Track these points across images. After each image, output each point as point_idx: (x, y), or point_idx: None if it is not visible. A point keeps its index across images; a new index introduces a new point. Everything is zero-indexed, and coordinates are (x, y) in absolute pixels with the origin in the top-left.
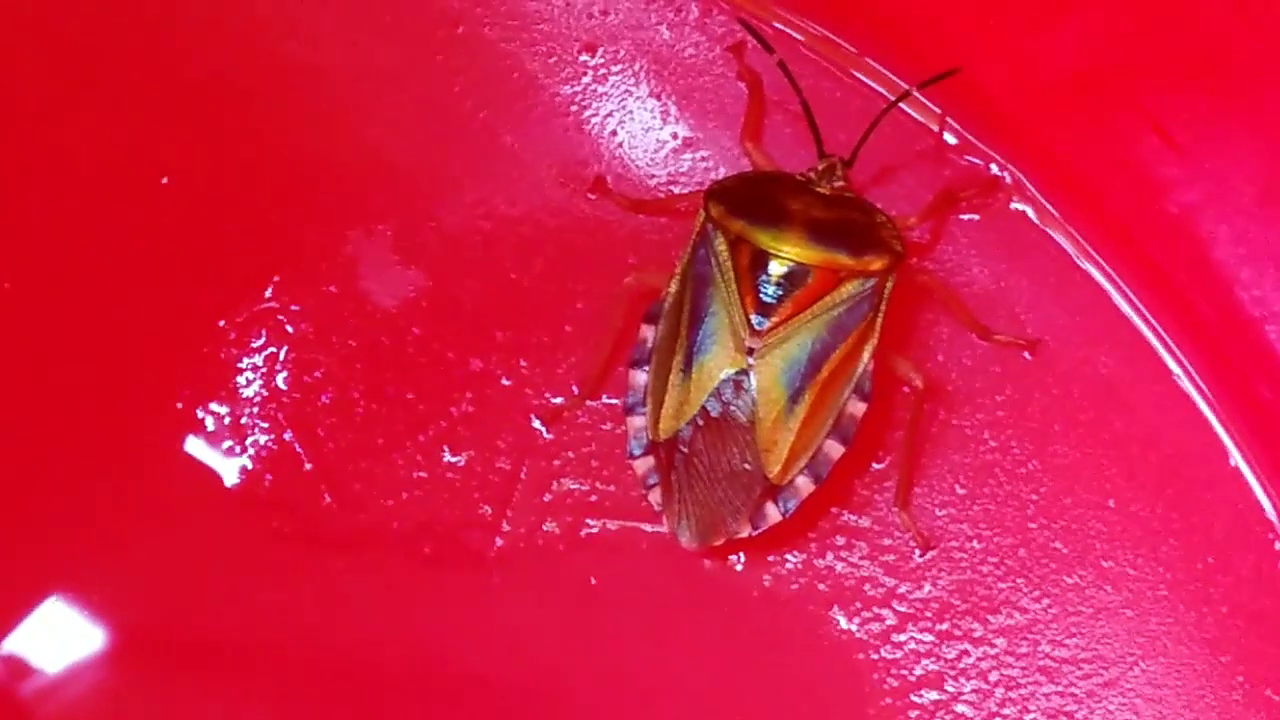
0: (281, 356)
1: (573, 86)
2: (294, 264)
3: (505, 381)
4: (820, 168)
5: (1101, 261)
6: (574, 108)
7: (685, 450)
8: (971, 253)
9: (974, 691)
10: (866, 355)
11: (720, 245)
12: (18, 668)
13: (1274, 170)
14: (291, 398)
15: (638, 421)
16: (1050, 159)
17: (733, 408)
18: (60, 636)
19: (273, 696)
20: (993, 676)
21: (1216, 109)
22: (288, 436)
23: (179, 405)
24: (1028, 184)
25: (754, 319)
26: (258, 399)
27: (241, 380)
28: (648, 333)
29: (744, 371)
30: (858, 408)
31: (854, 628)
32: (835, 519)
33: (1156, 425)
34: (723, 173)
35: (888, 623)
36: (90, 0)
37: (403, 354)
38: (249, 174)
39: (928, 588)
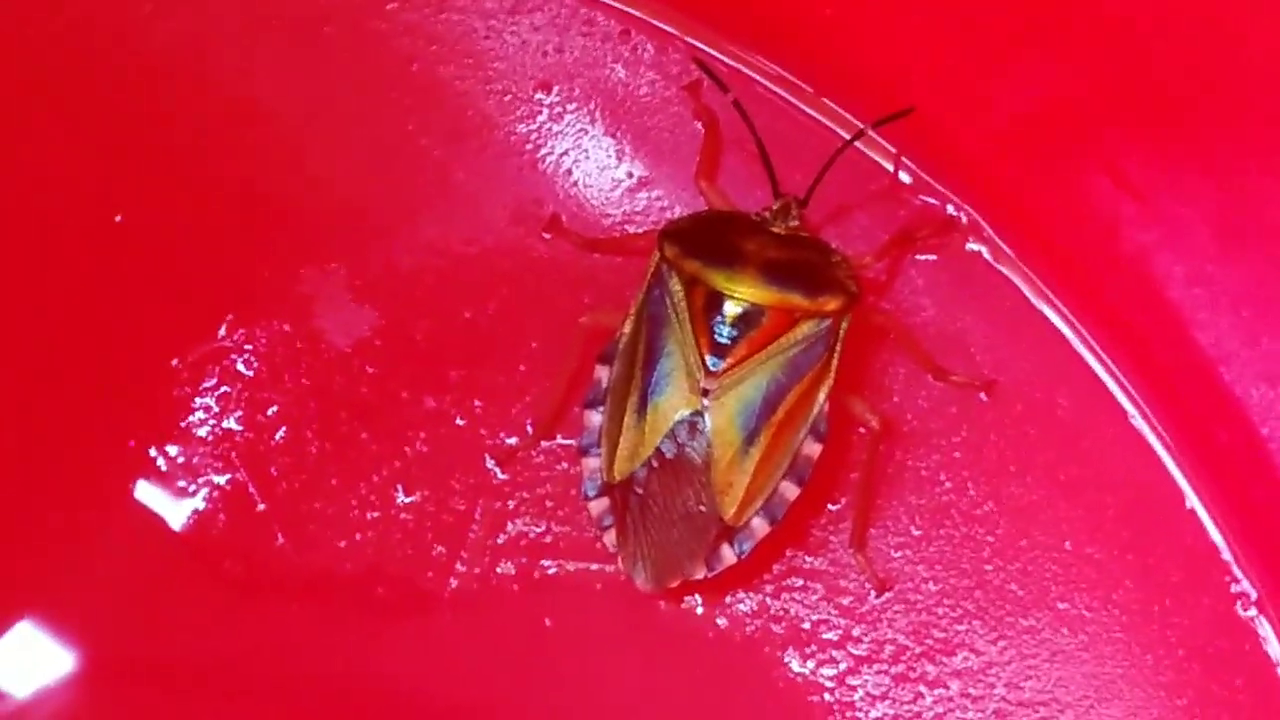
0: (234, 395)
1: (528, 125)
2: (247, 302)
3: (459, 421)
4: (775, 207)
5: (1058, 302)
6: (529, 146)
7: (640, 492)
8: (927, 293)
9: None
10: (822, 396)
11: (675, 285)
12: None
13: (1229, 211)
14: (244, 437)
15: (593, 463)
16: (1006, 199)
17: (688, 449)
18: (28, 661)
19: None
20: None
21: (1171, 150)
22: (240, 476)
23: (131, 444)
24: (984, 224)
25: (709, 360)
26: (210, 438)
27: (194, 419)
28: (602, 373)
29: (699, 413)
30: (813, 449)
31: (809, 670)
32: (791, 561)
33: (1113, 467)
34: (678, 212)
35: (843, 665)
36: (44, 38)
37: (356, 393)
38: (203, 212)
39: (883, 629)
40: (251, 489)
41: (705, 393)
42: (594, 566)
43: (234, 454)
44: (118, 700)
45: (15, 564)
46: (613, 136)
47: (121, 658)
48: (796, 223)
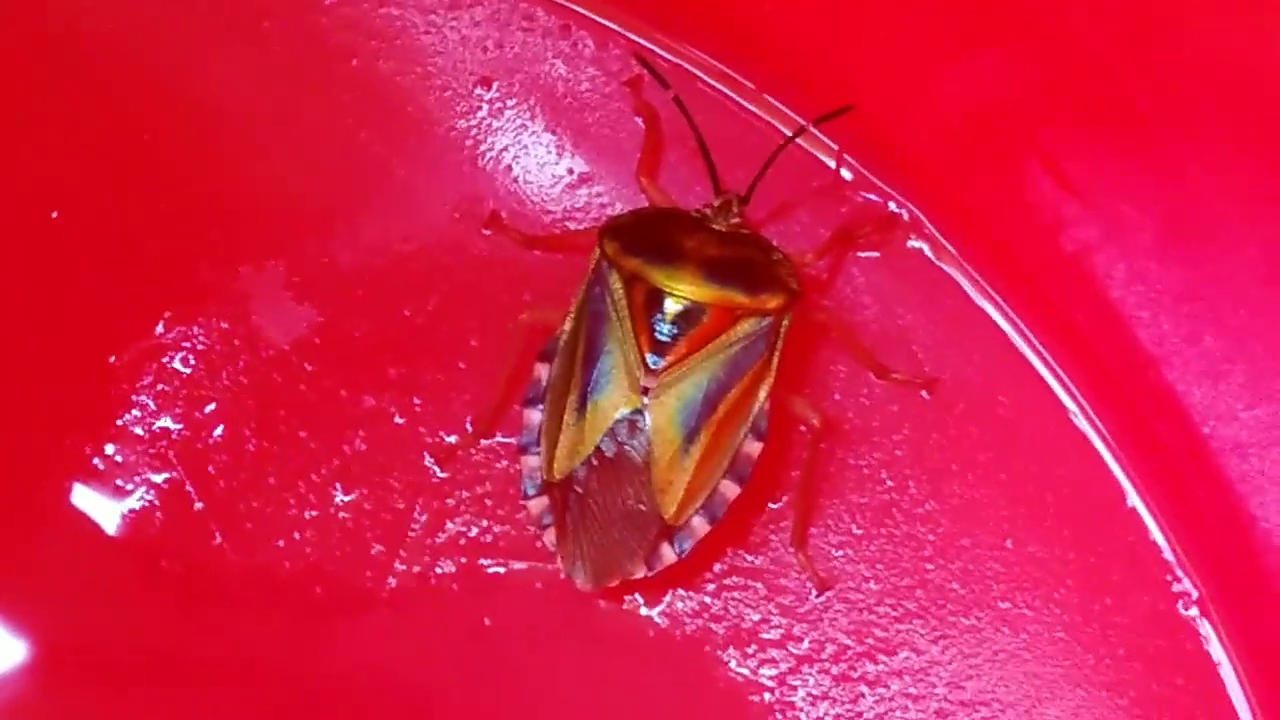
0: (172, 393)
1: (468, 121)
2: (185, 300)
3: (398, 419)
4: (716, 204)
5: (999, 300)
6: (469, 142)
7: (580, 490)
8: (868, 291)
9: None
10: (763, 394)
11: (615, 283)
12: None
13: (1170, 210)
14: (182, 435)
15: (532, 461)
16: (948, 196)
17: (627, 448)
18: None
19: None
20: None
21: (1113, 148)
22: (178, 475)
23: (66, 442)
24: (925, 221)
25: (649, 358)
26: (147, 436)
27: (130, 417)
28: (542, 371)
29: (639, 411)
30: (754, 447)
31: (750, 669)
32: (731, 560)
33: (1054, 465)
34: (619, 208)
35: (783, 665)
36: None
37: (295, 391)
38: (140, 209)
39: (824, 629)
40: (189, 487)
41: (645, 391)
42: (534, 565)
43: (171, 452)
44: (63, 692)
45: None
46: (553, 133)
47: (69, 650)
48: (738, 220)
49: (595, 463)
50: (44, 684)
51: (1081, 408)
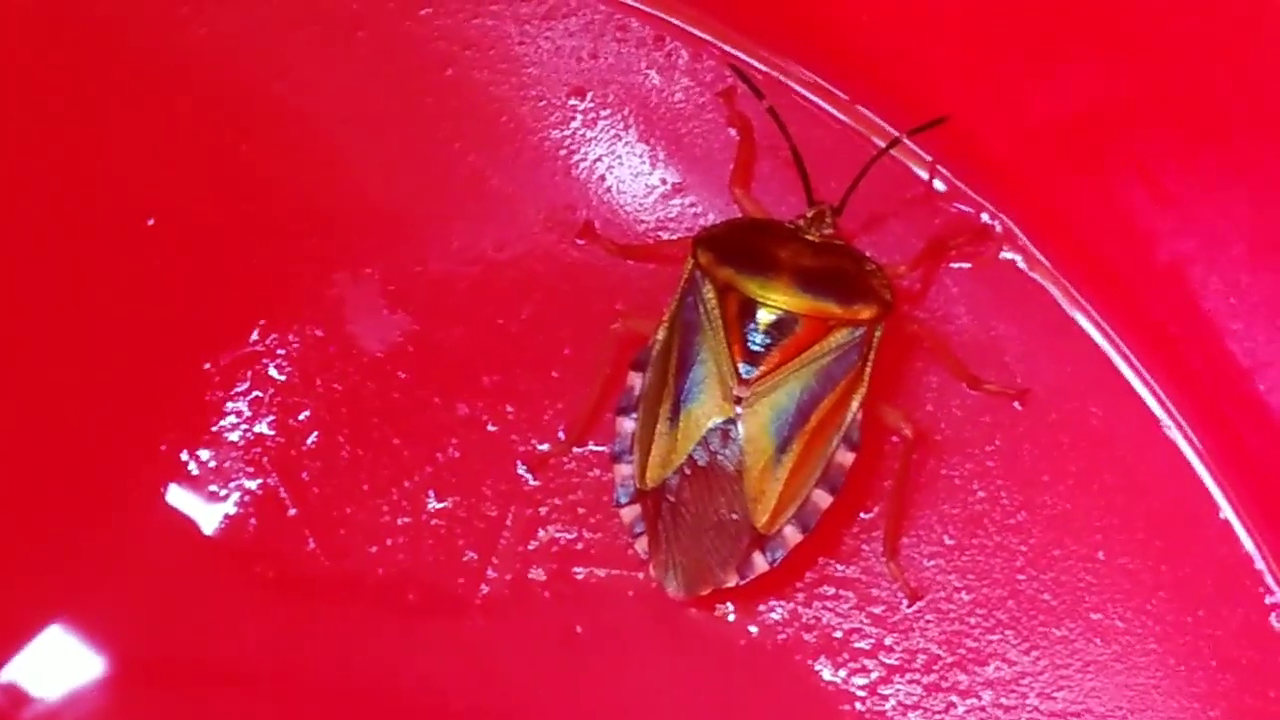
0: (266, 400)
1: (561, 131)
2: (280, 307)
3: (491, 427)
4: (810, 215)
5: (1092, 311)
6: (562, 152)
7: (672, 499)
8: (961, 301)
9: None
10: (855, 404)
11: (708, 293)
12: (17, 696)
13: (1264, 221)
14: (276, 442)
15: (624, 469)
16: (1040, 207)
17: (720, 457)
18: (59, 664)
19: None
20: None
21: (1207, 160)
22: (272, 481)
23: (163, 448)
24: (1018, 232)
25: (742, 368)
26: (242, 443)
27: (226, 424)
28: (635, 380)
29: (731, 420)
30: (846, 457)
31: (840, 679)
32: (823, 569)
33: (1146, 477)
34: (711, 219)
35: (874, 674)
36: (79, 40)
37: (388, 399)
38: (235, 216)
39: (915, 639)
40: (283, 493)
41: (738, 400)
42: (625, 573)
43: (265, 458)
44: (148, 703)
45: (47, 567)
46: (646, 143)
47: (152, 661)
48: (831, 230)
49: (688, 471)
50: (126, 695)
51: (1174, 419)
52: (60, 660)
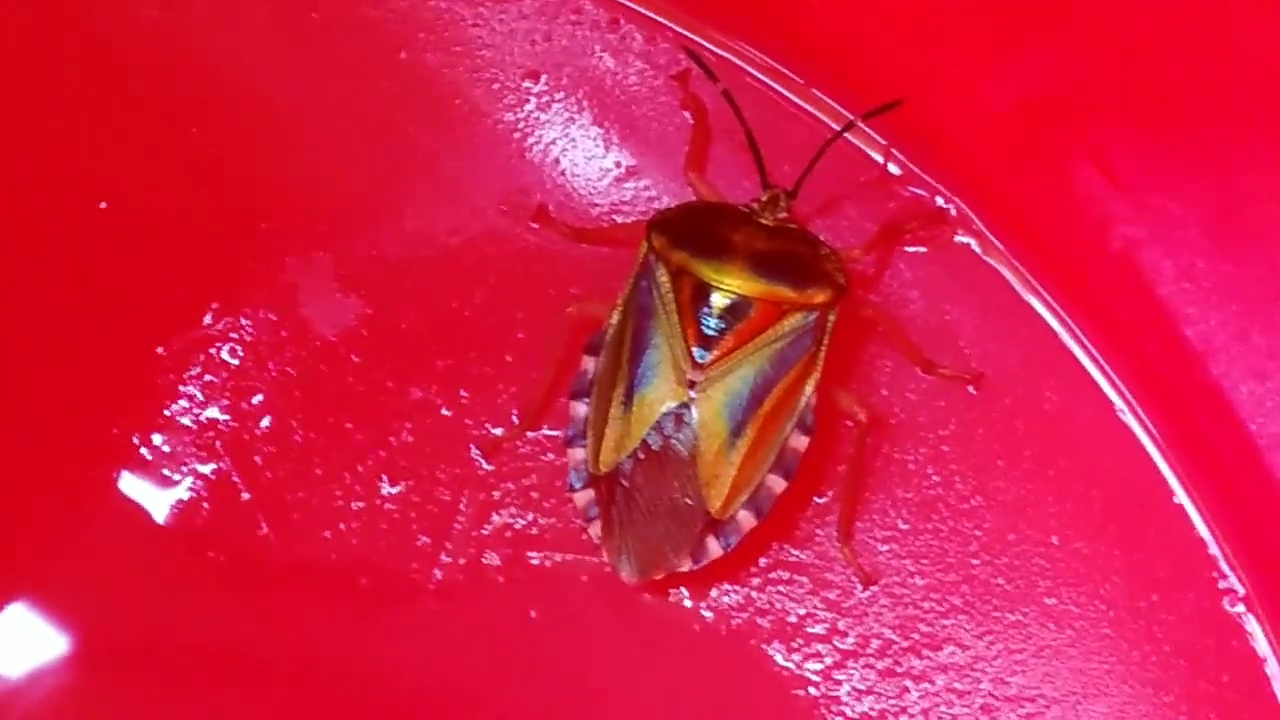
0: (219, 384)
1: (515, 114)
2: (232, 290)
3: (445, 411)
4: (764, 199)
5: (1046, 296)
6: (516, 135)
7: (626, 484)
8: (916, 286)
9: None
10: (809, 389)
11: (662, 276)
12: None
13: (1219, 207)
14: (229, 426)
15: (578, 454)
16: (995, 192)
17: (674, 441)
18: (21, 643)
19: (220, 708)
20: (934, 714)
21: (1162, 145)
22: (224, 465)
23: (115, 432)
24: (973, 217)
25: (696, 352)
26: (194, 427)
27: (178, 408)
28: (589, 364)
29: (685, 405)
30: (800, 442)
31: (795, 663)
32: (777, 554)
33: (1101, 461)
34: (666, 202)
35: (829, 659)
36: (29, 20)
37: (342, 383)
38: (188, 199)
39: (870, 623)
40: (236, 478)
41: (692, 384)
42: (580, 558)
43: (218, 443)
44: (110, 681)
45: (6, 548)
46: (600, 126)
47: (113, 641)
48: (785, 214)
49: (641, 456)
50: (87, 675)
51: (1128, 404)
52: (21, 639)
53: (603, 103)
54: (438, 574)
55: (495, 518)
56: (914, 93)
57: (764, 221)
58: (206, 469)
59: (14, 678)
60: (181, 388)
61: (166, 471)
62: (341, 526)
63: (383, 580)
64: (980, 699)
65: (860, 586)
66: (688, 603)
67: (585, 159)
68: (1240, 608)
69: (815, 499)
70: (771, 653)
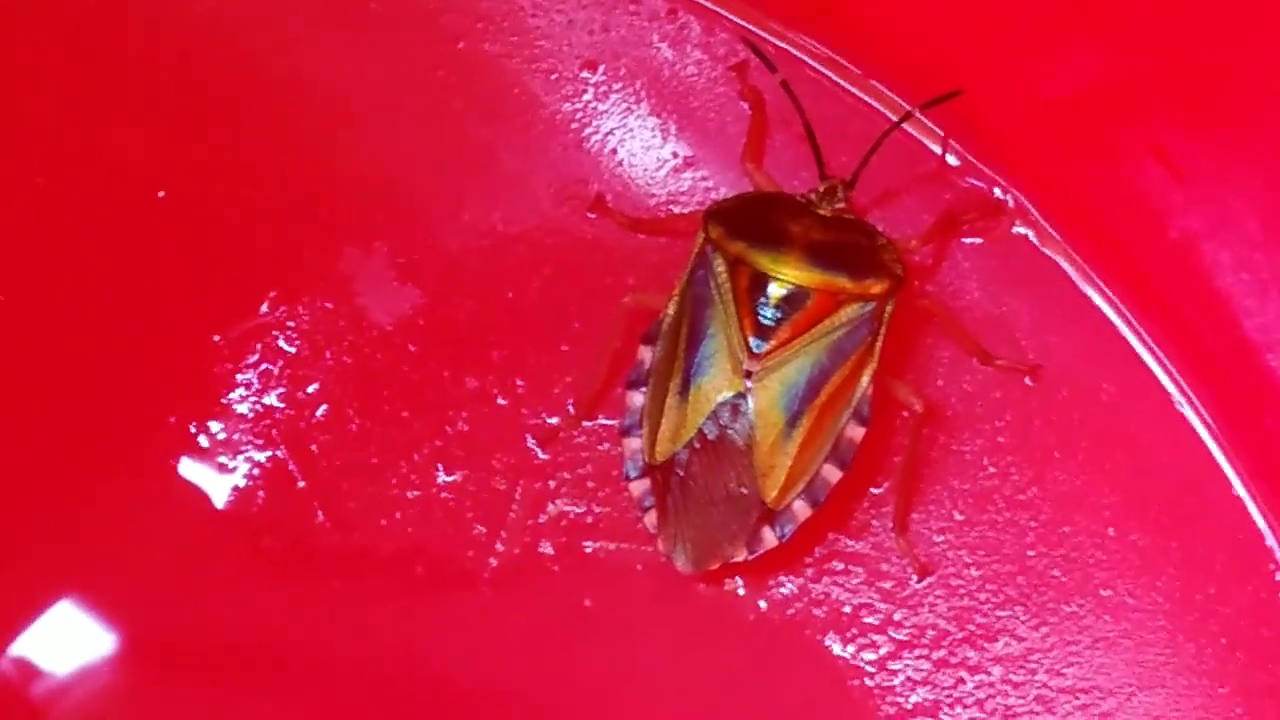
0: (276, 372)
1: (573, 104)
2: (290, 280)
3: (501, 401)
4: (821, 189)
5: (1104, 287)
6: (574, 125)
7: (682, 473)
8: (973, 277)
9: None
10: (865, 379)
11: (719, 266)
12: (28, 670)
13: (1276, 197)
14: (285, 414)
15: (634, 443)
16: (1053, 183)
17: (730, 431)
18: (69, 639)
19: (272, 703)
20: (989, 705)
21: (1219, 136)
22: (281, 453)
23: (172, 420)
24: (1030, 208)
25: (752, 342)
26: (251, 415)
27: (235, 396)
28: (645, 354)
29: (741, 395)
30: (856, 432)
31: (849, 654)
32: (832, 544)
33: (1158, 453)
34: (723, 193)
35: (883, 649)
36: (88, 12)
37: (398, 372)
38: (246, 188)
39: (925, 614)
40: (292, 466)
41: (748, 375)
42: (634, 547)
43: (275, 431)
44: (158, 678)
45: (56, 542)
46: (658, 116)
47: (162, 636)
48: (843, 205)
49: (697, 446)
50: (137, 669)
51: (1186, 395)
52: (71, 635)
53: (660, 93)
54: (493, 563)
55: (550, 507)
56: (972, 83)
57: (821, 212)
58: (263, 457)
59: (62, 674)
60: (239, 376)
61: (223, 459)
62: (397, 515)
63: (438, 569)
64: (1035, 690)
65: (915, 577)
66: (742, 593)
67: (642, 149)
68: None
69: (871, 489)
70: (826, 643)
